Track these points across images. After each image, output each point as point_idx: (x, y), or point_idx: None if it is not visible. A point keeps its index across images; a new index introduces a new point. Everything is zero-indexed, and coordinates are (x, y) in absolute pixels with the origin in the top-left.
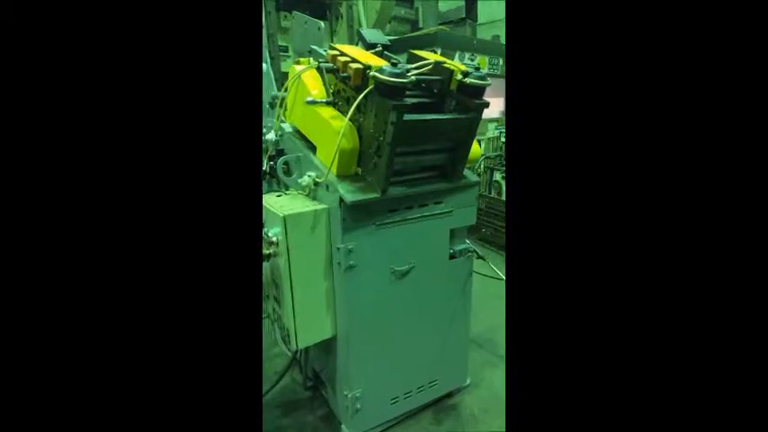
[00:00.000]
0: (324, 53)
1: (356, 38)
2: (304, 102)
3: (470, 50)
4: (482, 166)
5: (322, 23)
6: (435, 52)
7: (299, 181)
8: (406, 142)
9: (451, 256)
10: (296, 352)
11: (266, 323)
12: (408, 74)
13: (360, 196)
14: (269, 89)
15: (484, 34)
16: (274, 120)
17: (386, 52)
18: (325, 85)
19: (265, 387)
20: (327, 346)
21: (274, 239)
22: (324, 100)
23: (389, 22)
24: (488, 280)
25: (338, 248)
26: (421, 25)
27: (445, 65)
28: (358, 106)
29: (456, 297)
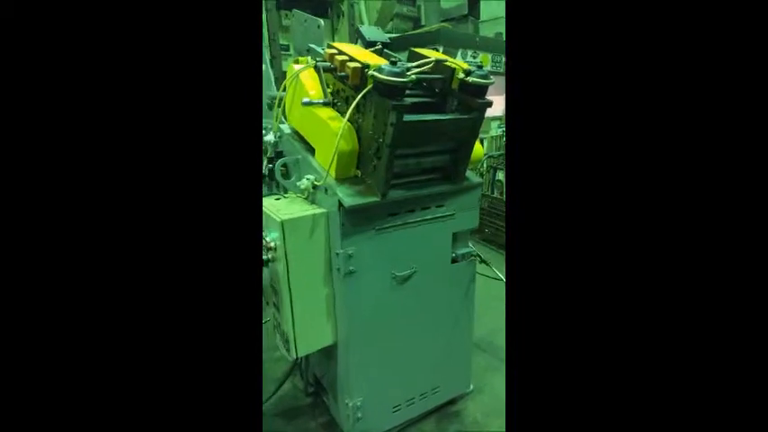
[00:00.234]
0: (322, 52)
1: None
2: (301, 103)
3: (473, 48)
4: (485, 166)
5: (322, 21)
6: (437, 50)
7: (298, 184)
8: (406, 144)
9: (454, 260)
10: (296, 358)
11: (267, 326)
12: (408, 73)
13: (359, 200)
14: (267, 89)
15: (487, 31)
16: (273, 121)
17: (386, 50)
18: (322, 84)
19: (266, 393)
20: (328, 352)
21: (272, 244)
22: (321, 101)
23: (391, 20)
24: (491, 282)
25: (337, 254)
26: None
27: (447, 63)
28: (357, 106)
29: (459, 302)
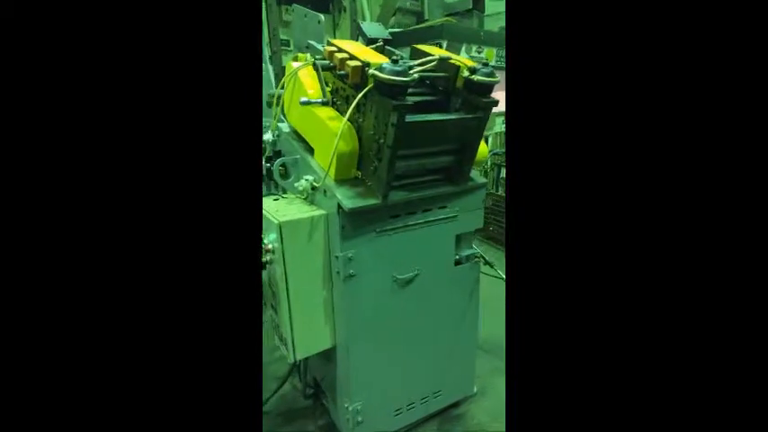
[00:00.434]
0: (321, 49)
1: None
2: (298, 102)
3: (477, 42)
4: (489, 163)
5: (322, 17)
6: (441, 46)
7: (296, 185)
8: (408, 145)
9: (457, 263)
10: (294, 361)
11: (266, 327)
12: (410, 71)
13: (359, 202)
14: (266, 87)
15: (491, 26)
16: (272, 119)
17: (387, 47)
18: (321, 83)
19: (265, 394)
20: (328, 355)
21: (270, 247)
22: (319, 100)
23: (394, 14)
24: (497, 282)
25: (337, 257)
26: (426, 17)
27: (451, 61)
28: (357, 106)
29: (462, 305)
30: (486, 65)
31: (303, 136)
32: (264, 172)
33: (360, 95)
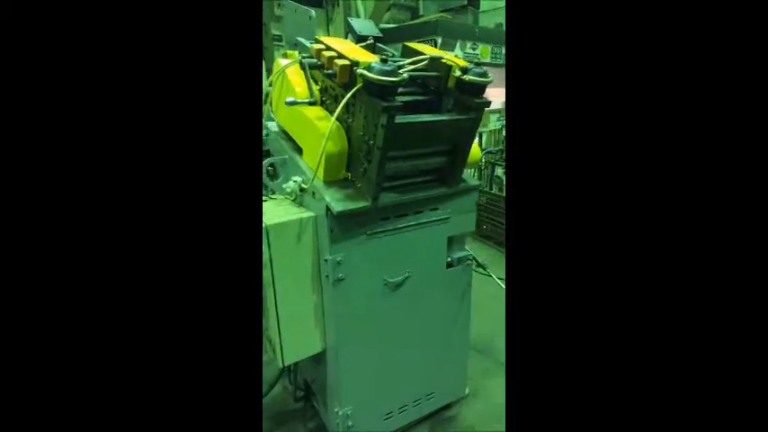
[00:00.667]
0: (309, 46)
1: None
2: (284, 102)
3: (472, 39)
4: (483, 161)
5: (313, 12)
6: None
7: (284, 186)
8: (398, 146)
9: (449, 265)
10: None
11: None
12: (400, 71)
13: (348, 205)
14: None
15: (486, 22)
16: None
17: (378, 44)
18: (308, 82)
19: None
20: (318, 357)
21: None
22: (306, 100)
23: (388, 10)
24: (488, 281)
25: (326, 260)
26: (421, 13)
27: (443, 60)
28: (346, 105)
29: (454, 307)
30: (478, 64)
31: (291, 135)
32: None
33: (348, 95)
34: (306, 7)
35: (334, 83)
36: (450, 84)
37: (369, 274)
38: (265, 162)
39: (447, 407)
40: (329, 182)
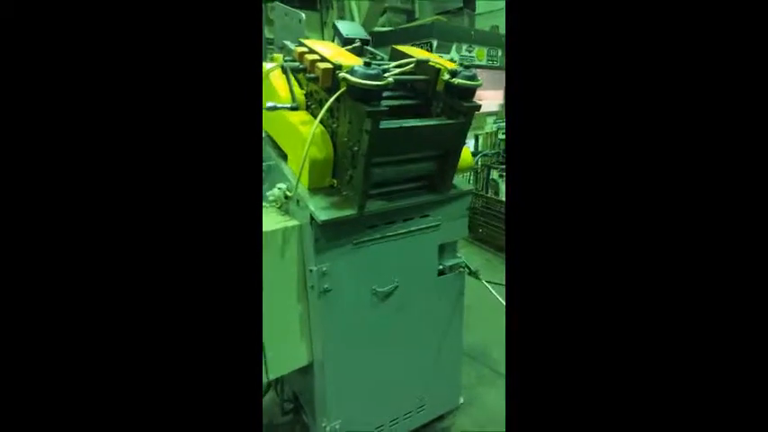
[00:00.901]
0: (293, 50)
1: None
2: (265, 107)
3: (468, 41)
4: (479, 164)
5: (303, 15)
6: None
7: (268, 194)
8: (384, 152)
9: (441, 272)
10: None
11: None
12: (386, 75)
13: (333, 214)
14: None
15: (482, 24)
16: None
17: (367, 48)
18: (290, 86)
19: None
20: (305, 368)
21: None
22: (287, 105)
23: (384, 13)
24: (481, 287)
25: (311, 270)
26: (417, 15)
27: (431, 63)
28: (330, 110)
29: (446, 316)
30: (467, 67)
31: (276, 141)
32: None
33: (331, 99)
34: (296, 10)
35: (318, 87)
36: (439, 87)
37: (356, 285)
38: None
39: (440, 418)
40: (314, 189)
